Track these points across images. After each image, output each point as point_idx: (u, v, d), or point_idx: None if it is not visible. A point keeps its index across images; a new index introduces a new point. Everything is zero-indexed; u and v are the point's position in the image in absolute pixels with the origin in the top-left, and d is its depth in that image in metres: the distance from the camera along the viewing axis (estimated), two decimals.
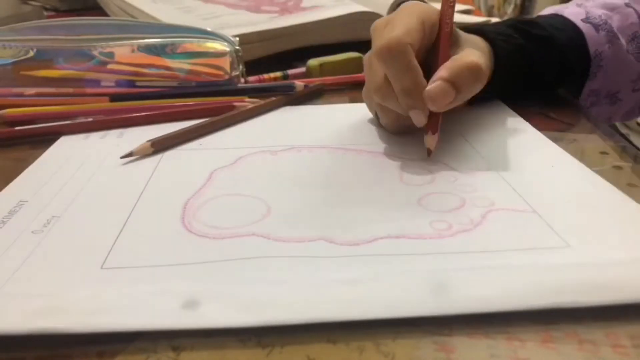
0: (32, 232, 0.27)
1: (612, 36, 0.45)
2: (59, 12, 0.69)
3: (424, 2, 0.37)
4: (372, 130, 0.39)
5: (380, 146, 0.36)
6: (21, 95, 0.44)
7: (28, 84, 0.44)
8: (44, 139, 0.38)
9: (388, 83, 0.32)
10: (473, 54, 0.33)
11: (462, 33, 0.37)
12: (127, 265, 0.24)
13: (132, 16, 0.59)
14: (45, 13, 0.71)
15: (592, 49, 0.44)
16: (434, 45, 0.35)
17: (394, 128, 0.37)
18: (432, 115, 0.33)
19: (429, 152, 0.33)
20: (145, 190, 0.31)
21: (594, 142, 0.37)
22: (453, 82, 0.31)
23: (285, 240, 0.25)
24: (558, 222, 0.26)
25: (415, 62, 0.31)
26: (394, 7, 0.62)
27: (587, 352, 0.19)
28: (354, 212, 0.28)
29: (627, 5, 0.47)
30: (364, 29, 0.58)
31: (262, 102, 0.44)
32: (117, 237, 0.26)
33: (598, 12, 0.46)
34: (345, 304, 0.21)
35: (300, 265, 0.23)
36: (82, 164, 0.34)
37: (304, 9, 0.62)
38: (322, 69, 0.51)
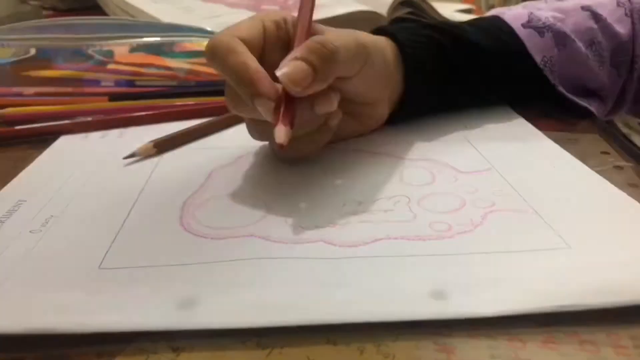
0: (30, 231, 0.27)
1: (562, 38, 0.40)
2: (58, 12, 0.69)
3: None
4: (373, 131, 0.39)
5: (381, 146, 0.36)
6: (20, 95, 0.44)
7: (27, 83, 0.44)
8: (43, 139, 0.38)
9: (232, 88, 0.29)
10: (328, 34, 0.30)
11: (329, 27, 0.33)
12: (125, 265, 0.24)
13: (132, 16, 0.59)
14: (44, 12, 0.71)
15: (537, 56, 0.40)
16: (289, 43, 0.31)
17: (262, 136, 0.33)
18: (284, 105, 0.28)
19: (280, 147, 0.26)
20: (144, 190, 0.31)
21: (595, 142, 0.37)
22: (308, 60, 0.28)
23: (284, 241, 0.25)
24: (559, 223, 0.26)
25: (247, 53, 0.28)
26: (394, 7, 0.62)
27: (588, 353, 0.19)
28: (354, 213, 0.28)
29: (584, 8, 0.42)
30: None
31: None
32: (114, 237, 0.26)
33: (545, 15, 0.41)
34: (343, 306, 0.21)
35: (299, 266, 0.23)
36: (81, 164, 0.34)
37: None
38: None
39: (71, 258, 0.24)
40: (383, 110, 0.37)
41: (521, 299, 0.21)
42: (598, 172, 0.31)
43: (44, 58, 0.43)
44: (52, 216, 0.28)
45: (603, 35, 0.41)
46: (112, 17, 0.59)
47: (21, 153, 0.36)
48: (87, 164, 0.34)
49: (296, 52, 0.28)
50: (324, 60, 0.28)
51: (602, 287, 0.21)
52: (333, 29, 0.33)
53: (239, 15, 0.60)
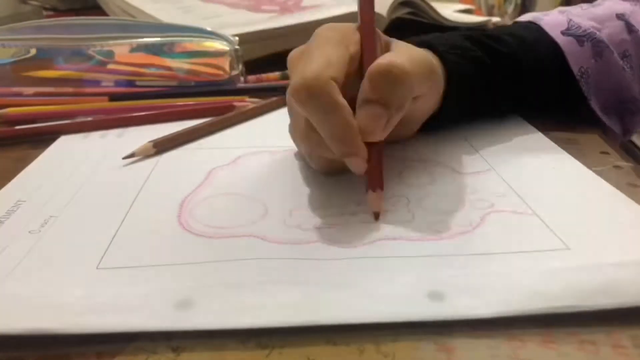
0: (30, 232, 0.27)
1: (601, 48, 0.39)
2: (58, 12, 0.69)
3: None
4: None
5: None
6: (20, 94, 0.44)
7: (28, 83, 0.44)
8: (43, 139, 0.38)
9: (313, 129, 0.26)
10: (392, 54, 0.27)
11: (397, 42, 0.31)
12: (123, 265, 0.24)
13: (132, 16, 0.59)
14: (45, 12, 0.71)
15: (575, 67, 0.38)
16: (360, 64, 0.29)
17: (330, 171, 0.31)
18: (371, 165, 0.27)
19: (377, 216, 0.27)
20: (143, 189, 0.31)
21: (594, 142, 0.37)
22: (377, 100, 0.26)
23: (283, 241, 0.25)
24: (558, 224, 0.26)
25: (342, 100, 0.25)
26: (394, 7, 0.62)
27: (587, 353, 0.19)
28: (353, 213, 0.28)
29: (618, 17, 0.41)
30: None
31: (262, 102, 0.44)
32: (113, 237, 0.26)
33: (584, 23, 0.39)
34: (341, 307, 0.21)
35: (297, 267, 0.23)
36: (81, 164, 0.34)
37: (304, 8, 0.62)
38: None
39: (69, 258, 0.24)
40: (417, 128, 0.35)
41: (519, 300, 0.21)
42: (598, 172, 0.31)
43: (44, 58, 0.43)
44: (51, 216, 0.28)
45: (634, 48, 0.40)
46: (112, 17, 0.59)
47: (21, 153, 0.36)
48: (86, 164, 0.34)
49: (360, 94, 0.26)
50: (393, 89, 0.26)
51: (601, 288, 0.21)
52: (399, 42, 0.31)
53: (238, 16, 0.60)
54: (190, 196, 0.30)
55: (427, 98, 0.31)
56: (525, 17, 0.43)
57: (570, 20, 0.40)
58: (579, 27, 0.39)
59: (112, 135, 0.39)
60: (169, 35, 0.44)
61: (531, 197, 0.29)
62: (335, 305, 0.21)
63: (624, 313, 0.21)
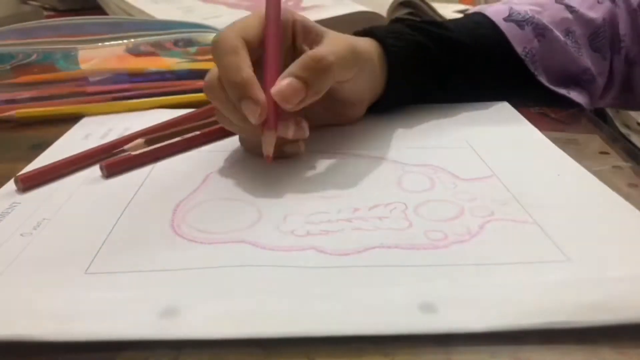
0: (21, 234, 0.26)
1: (541, 29, 0.43)
2: (59, 12, 0.69)
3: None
4: (372, 135, 0.38)
5: (381, 151, 0.35)
6: (13, 101, 0.43)
7: (28, 84, 0.44)
8: (40, 142, 0.38)
9: (219, 81, 0.30)
10: (324, 47, 0.31)
11: (328, 31, 0.34)
12: (111, 270, 0.23)
13: (132, 16, 0.58)
14: (45, 13, 0.72)
15: (518, 48, 0.42)
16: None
17: (255, 150, 0.33)
18: (269, 108, 0.29)
19: (268, 158, 0.30)
20: (138, 192, 0.30)
21: (594, 142, 0.37)
22: (302, 78, 0.29)
23: (274, 248, 0.25)
24: (560, 234, 0.25)
25: (245, 57, 0.30)
26: (393, 7, 0.62)
27: (587, 353, 0.19)
28: (348, 220, 0.27)
29: (557, 1, 0.45)
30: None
31: None
32: (104, 241, 0.26)
33: (524, 9, 0.44)
34: (327, 319, 0.20)
35: (286, 275, 0.23)
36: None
37: (304, 8, 0.62)
38: None
39: (58, 262, 0.24)
40: (361, 111, 0.39)
41: (514, 314, 0.20)
42: (598, 172, 0.31)
43: (44, 58, 0.43)
44: (44, 219, 0.28)
45: (578, 24, 0.44)
46: (107, 16, 0.59)
47: (19, 154, 0.36)
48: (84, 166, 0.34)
49: (291, 68, 0.30)
50: (318, 76, 0.30)
51: (601, 303, 0.21)
52: (331, 33, 0.34)
53: (239, 16, 0.60)
54: (185, 200, 0.29)
55: (356, 81, 0.34)
56: (472, 9, 0.48)
57: (511, 8, 0.44)
58: (519, 13, 0.44)
59: (113, 135, 0.39)
60: (167, 33, 0.43)
61: (533, 205, 0.28)
62: (322, 317, 0.20)
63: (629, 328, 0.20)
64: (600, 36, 0.45)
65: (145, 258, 0.24)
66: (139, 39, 0.43)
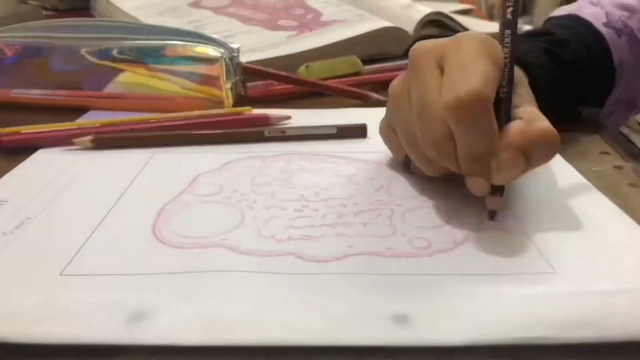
0: (3, 233, 0.26)
1: (633, 40, 0.40)
2: (58, 12, 0.69)
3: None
4: (366, 139, 0.37)
5: (374, 154, 0.34)
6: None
7: (27, 84, 0.44)
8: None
9: (451, 141, 0.25)
10: (542, 117, 0.26)
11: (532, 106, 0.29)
12: (87, 272, 0.23)
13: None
14: (44, 12, 0.72)
15: (615, 57, 0.40)
16: None
17: (434, 175, 0.29)
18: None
19: (492, 215, 0.27)
20: (125, 193, 0.30)
21: (594, 142, 0.36)
22: (525, 152, 0.25)
23: (252, 253, 0.24)
24: (548, 245, 0.24)
25: (495, 124, 0.25)
26: (421, 26, 0.60)
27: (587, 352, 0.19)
28: (332, 225, 0.27)
29: None
30: (389, 44, 0.57)
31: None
32: (84, 242, 0.25)
33: (617, 14, 0.41)
34: (294, 327, 0.19)
35: (261, 281, 0.22)
36: (69, 165, 0.34)
37: (324, 23, 0.58)
38: (309, 72, 0.50)
39: (35, 263, 0.24)
40: None
41: (491, 328, 0.19)
42: (598, 172, 0.31)
43: (41, 58, 0.43)
44: (27, 218, 0.28)
45: None
46: (114, 19, 0.58)
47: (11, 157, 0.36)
48: (74, 165, 0.34)
49: (515, 138, 0.25)
50: (541, 152, 0.25)
51: (583, 319, 0.20)
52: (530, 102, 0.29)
53: (254, 35, 0.56)
54: (169, 203, 0.29)
55: None
56: (560, 11, 0.44)
57: (608, 12, 0.41)
58: (616, 20, 0.40)
59: None
60: (158, 39, 0.42)
61: (524, 214, 0.27)
62: (286, 325, 0.20)
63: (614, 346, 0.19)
64: None
65: (122, 261, 0.24)
66: (132, 42, 0.43)
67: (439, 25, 0.63)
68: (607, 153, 0.35)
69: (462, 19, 0.66)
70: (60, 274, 0.23)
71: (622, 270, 0.23)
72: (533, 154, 0.25)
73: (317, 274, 0.23)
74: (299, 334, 0.19)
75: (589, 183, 0.30)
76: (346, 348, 0.19)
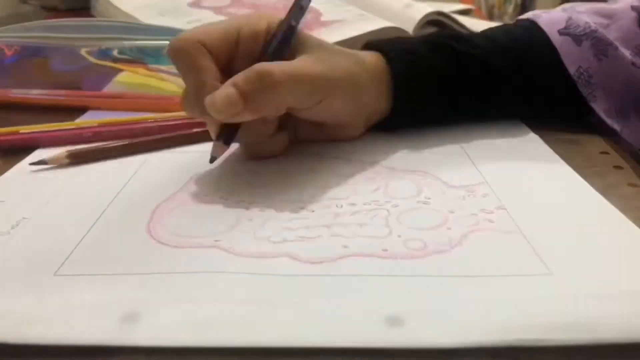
0: None
1: (604, 46, 0.37)
2: (59, 12, 0.69)
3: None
4: (365, 139, 0.37)
5: (371, 156, 0.34)
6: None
7: (27, 83, 0.44)
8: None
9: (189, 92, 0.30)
10: (283, 64, 0.29)
11: (316, 48, 0.32)
12: (81, 272, 0.23)
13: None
14: (44, 13, 0.72)
15: (571, 68, 0.36)
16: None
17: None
18: (228, 124, 0.30)
19: (211, 159, 0.31)
20: (121, 193, 0.30)
21: (594, 142, 0.36)
22: (243, 91, 0.27)
23: (247, 255, 0.24)
24: (545, 247, 0.24)
25: (205, 63, 0.29)
26: (421, 26, 0.60)
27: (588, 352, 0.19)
28: (327, 225, 0.26)
29: (634, 8, 0.38)
30: None
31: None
32: (79, 242, 0.25)
33: (585, 20, 0.37)
34: (288, 329, 0.19)
35: (254, 283, 0.22)
36: (66, 165, 0.34)
37: (325, 23, 0.58)
38: None
39: (30, 263, 0.24)
40: (354, 131, 0.36)
41: (484, 330, 0.19)
42: (598, 172, 0.31)
43: (41, 57, 0.43)
44: (24, 218, 0.28)
45: None
46: (114, 19, 0.58)
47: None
48: (70, 166, 0.34)
49: (236, 77, 0.28)
50: (260, 94, 0.28)
51: (576, 321, 0.20)
52: (318, 50, 0.32)
53: None
54: (165, 203, 0.29)
55: (332, 107, 0.32)
56: (526, 15, 0.41)
57: (570, 18, 0.38)
58: (578, 25, 0.37)
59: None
60: (158, 39, 0.43)
61: (522, 215, 0.27)
62: (277, 326, 0.20)
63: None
64: None
65: (116, 261, 0.24)
66: (133, 42, 0.43)
67: (439, 25, 0.63)
68: (607, 153, 0.34)
69: (462, 19, 0.65)
70: (55, 274, 0.23)
71: (619, 272, 0.23)
72: (249, 92, 0.27)
73: (311, 275, 0.23)
74: (293, 336, 0.19)
75: (586, 183, 0.30)
76: (344, 350, 0.19)
